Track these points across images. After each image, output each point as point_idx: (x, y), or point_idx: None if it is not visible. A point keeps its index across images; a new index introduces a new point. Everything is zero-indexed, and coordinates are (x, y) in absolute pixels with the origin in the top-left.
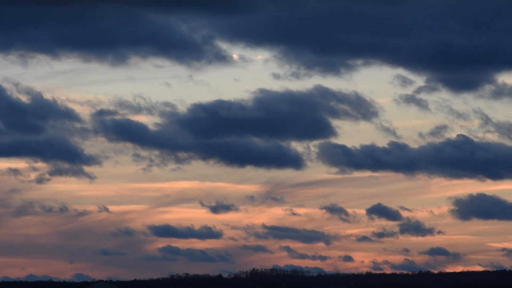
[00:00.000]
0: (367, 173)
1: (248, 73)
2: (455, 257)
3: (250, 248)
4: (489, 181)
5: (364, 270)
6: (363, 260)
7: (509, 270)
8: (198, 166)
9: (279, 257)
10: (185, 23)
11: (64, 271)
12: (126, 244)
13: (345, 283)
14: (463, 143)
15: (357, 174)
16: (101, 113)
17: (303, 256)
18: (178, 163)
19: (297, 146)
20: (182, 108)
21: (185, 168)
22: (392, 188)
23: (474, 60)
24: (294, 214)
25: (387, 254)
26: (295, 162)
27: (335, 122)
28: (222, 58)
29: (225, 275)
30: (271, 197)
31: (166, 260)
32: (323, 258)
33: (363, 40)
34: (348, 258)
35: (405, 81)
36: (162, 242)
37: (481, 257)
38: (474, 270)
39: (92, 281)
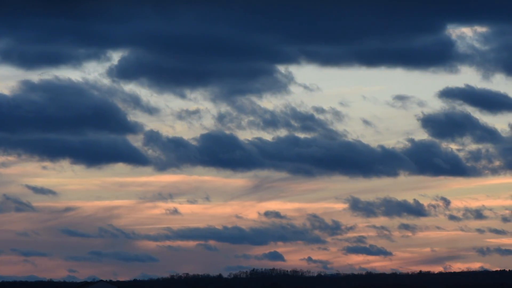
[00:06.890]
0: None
1: None
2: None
3: None
4: None
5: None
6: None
7: (509, 270)
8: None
9: None
10: None
11: None
12: None
13: (345, 283)
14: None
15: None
16: None
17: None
18: None
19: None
20: None
21: None
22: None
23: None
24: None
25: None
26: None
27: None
28: None
29: (225, 275)
30: None
31: None
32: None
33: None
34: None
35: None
36: None
37: None
38: (474, 270)
39: (92, 281)
